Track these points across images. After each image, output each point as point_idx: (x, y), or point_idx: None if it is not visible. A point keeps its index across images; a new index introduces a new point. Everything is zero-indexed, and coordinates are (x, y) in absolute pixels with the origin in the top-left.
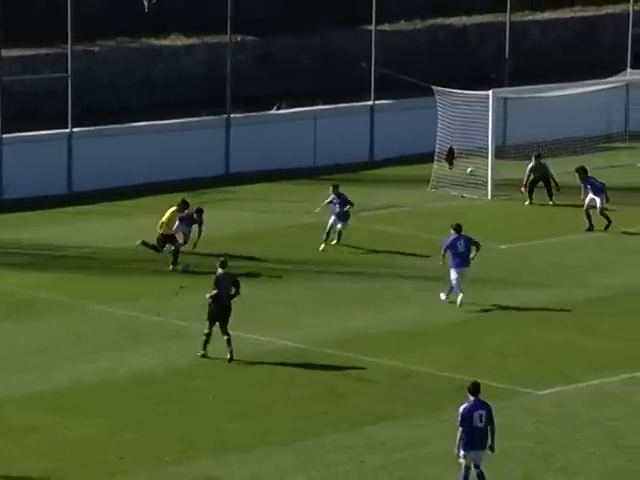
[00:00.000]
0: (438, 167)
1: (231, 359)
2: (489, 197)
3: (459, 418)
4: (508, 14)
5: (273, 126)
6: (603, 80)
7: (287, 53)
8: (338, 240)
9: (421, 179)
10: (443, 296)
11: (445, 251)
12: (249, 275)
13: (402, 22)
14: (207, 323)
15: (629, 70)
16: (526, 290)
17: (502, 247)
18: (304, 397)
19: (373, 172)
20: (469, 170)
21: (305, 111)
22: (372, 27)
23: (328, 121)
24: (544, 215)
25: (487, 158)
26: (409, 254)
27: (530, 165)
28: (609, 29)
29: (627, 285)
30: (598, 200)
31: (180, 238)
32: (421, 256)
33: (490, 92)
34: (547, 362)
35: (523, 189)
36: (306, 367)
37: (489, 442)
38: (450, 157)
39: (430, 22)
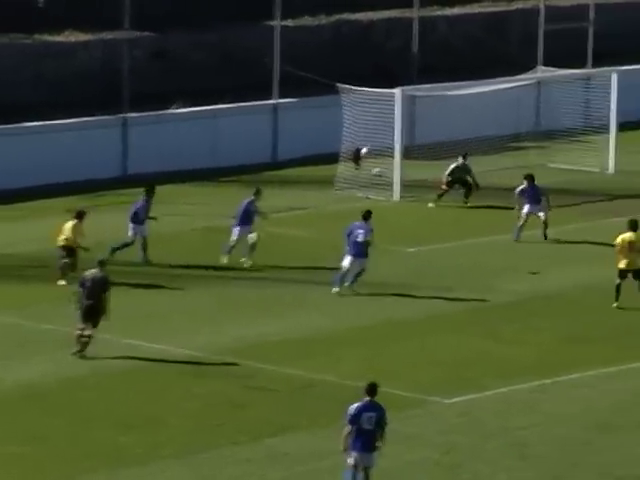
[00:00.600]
0: (344, 168)
1: (77, 353)
2: (396, 198)
3: (348, 416)
4: (416, 8)
5: (172, 125)
6: (514, 77)
7: (182, 50)
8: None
9: (326, 180)
10: (336, 289)
11: (348, 237)
12: (146, 280)
13: (306, 17)
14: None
15: (540, 67)
16: (433, 295)
17: (409, 250)
18: (200, 408)
19: (276, 173)
20: (375, 171)
21: (205, 110)
22: (275, 22)
23: (229, 120)
24: (453, 217)
25: (394, 158)
26: (311, 258)
27: (454, 165)
28: (519, 25)
29: (534, 290)
30: (542, 214)
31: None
32: (323, 260)
33: (397, 90)
34: (455, 369)
35: (444, 187)
36: (203, 377)
37: (378, 445)
38: (356, 157)
39: (335, 17)
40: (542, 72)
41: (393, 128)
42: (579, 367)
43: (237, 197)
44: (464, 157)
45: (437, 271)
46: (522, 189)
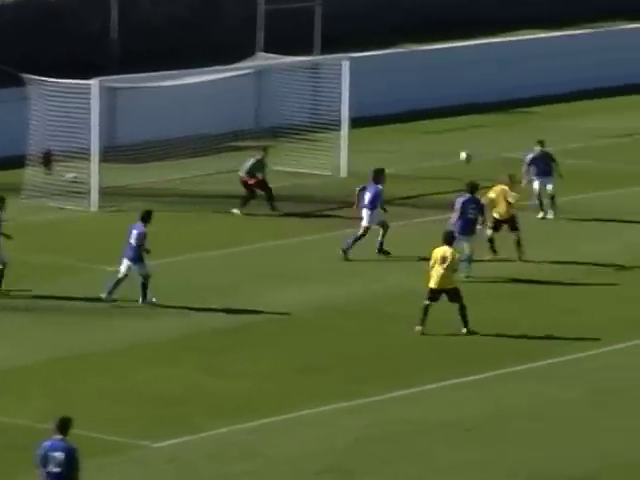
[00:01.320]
0: (32, 173)
1: None
2: (94, 208)
3: (36, 457)
4: None
5: None
6: (230, 66)
7: None
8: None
9: (12, 188)
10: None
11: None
12: None
13: None
14: None
15: (260, 54)
16: (146, 319)
17: (110, 269)
18: None
19: None
20: (69, 176)
21: None
22: None
23: None
24: (162, 228)
25: (91, 161)
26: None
27: (253, 160)
28: (236, 4)
29: (256, 311)
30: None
31: None
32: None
33: (94, 81)
34: (163, 408)
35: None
36: None
37: None
38: (47, 161)
39: None
40: (263, 60)
41: (90, 126)
42: (308, 402)
43: None
44: (264, 150)
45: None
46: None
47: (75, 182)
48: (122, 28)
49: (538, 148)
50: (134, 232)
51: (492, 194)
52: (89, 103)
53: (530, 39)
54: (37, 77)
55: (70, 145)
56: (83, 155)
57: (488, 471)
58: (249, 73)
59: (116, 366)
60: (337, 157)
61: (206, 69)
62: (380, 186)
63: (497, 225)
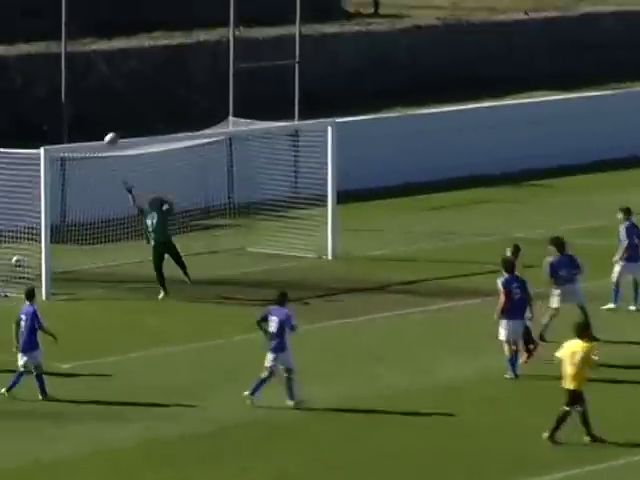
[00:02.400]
0: None
1: None
2: (44, 297)
3: None
4: (63, 41)
5: None
6: (197, 133)
7: None
8: None
9: None
10: None
11: None
12: None
13: None
14: None
15: (232, 119)
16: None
17: (64, 367)
18: None
19: None
20: (15, 260)
21: None
22: None
23: None
24: (122, 320)
25: (41, 242)
26: None
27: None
28: (204, 62)
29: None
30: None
31: None
32: None
33: (41, 150)
34: None
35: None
36: None
37: None
38: None
39: None
40: (234, 125)
41: (37, 202)
42: None
43: None
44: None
45: (103, 393)
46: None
47: (20, 267)
48: (72, 90)
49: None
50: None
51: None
52: (38, 174)
53: (540, 102)
54: None
55: (15, 223)
56: (30, 234)
57: None
58: (219, 140)
59: None
60: (323, 237)
61: (171, 136)
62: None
63: None
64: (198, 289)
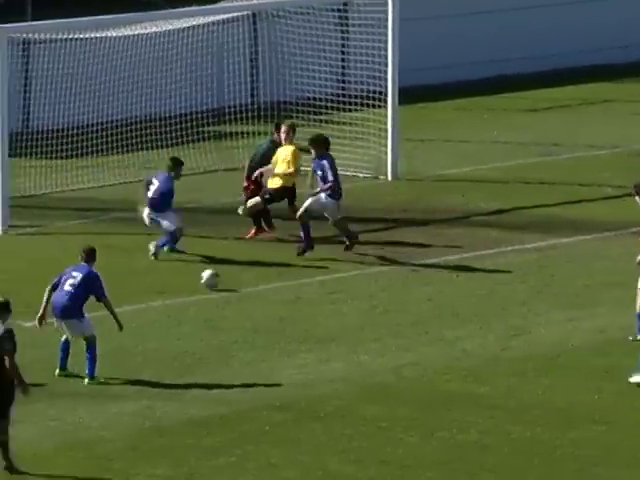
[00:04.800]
0: None
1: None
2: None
3: None
4: None
5: None
6: (210, 7)
7: None
8: None
9: None
10: None
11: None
12: None
13: None
14: None
15: None
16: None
17: (26, 325)
18: None
19: None
20: None
21: None
22: None
23: None
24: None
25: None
26: None
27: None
28: None
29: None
30: None
31: None
32: None
33: None
34: None
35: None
36: None
37: None
38: None
39: None
40: None
41: None
42: None
43: None
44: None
45: None
46: None
47: None
48: None
49: None
50: (72, 277)
51: None
52: None
53: None
54: None
55: None
56: None
57: None
58: (239, 17)
59: None
60: (379, 149)
61: (172, 11)
62: None
63: None
64: (208, 218)
